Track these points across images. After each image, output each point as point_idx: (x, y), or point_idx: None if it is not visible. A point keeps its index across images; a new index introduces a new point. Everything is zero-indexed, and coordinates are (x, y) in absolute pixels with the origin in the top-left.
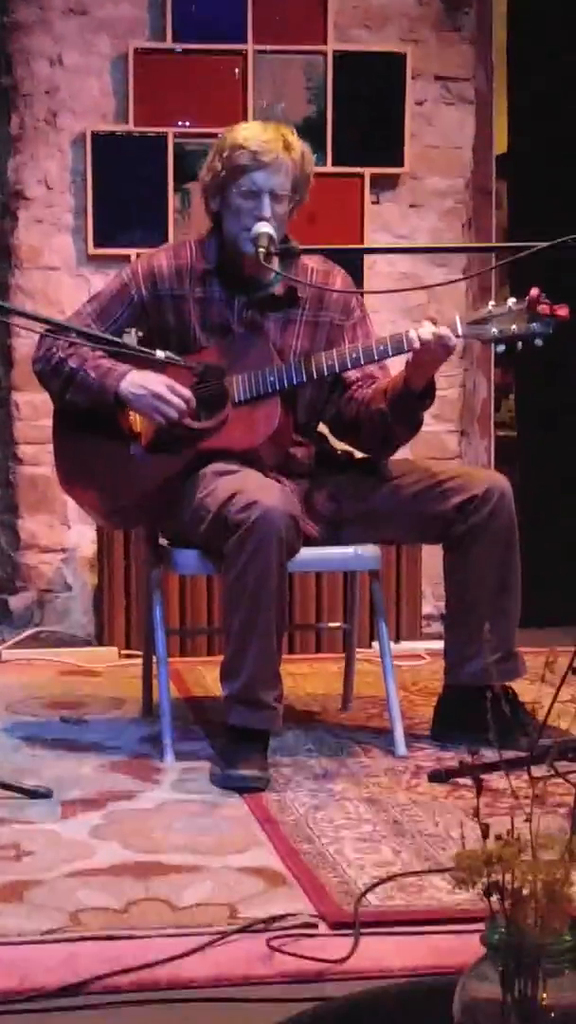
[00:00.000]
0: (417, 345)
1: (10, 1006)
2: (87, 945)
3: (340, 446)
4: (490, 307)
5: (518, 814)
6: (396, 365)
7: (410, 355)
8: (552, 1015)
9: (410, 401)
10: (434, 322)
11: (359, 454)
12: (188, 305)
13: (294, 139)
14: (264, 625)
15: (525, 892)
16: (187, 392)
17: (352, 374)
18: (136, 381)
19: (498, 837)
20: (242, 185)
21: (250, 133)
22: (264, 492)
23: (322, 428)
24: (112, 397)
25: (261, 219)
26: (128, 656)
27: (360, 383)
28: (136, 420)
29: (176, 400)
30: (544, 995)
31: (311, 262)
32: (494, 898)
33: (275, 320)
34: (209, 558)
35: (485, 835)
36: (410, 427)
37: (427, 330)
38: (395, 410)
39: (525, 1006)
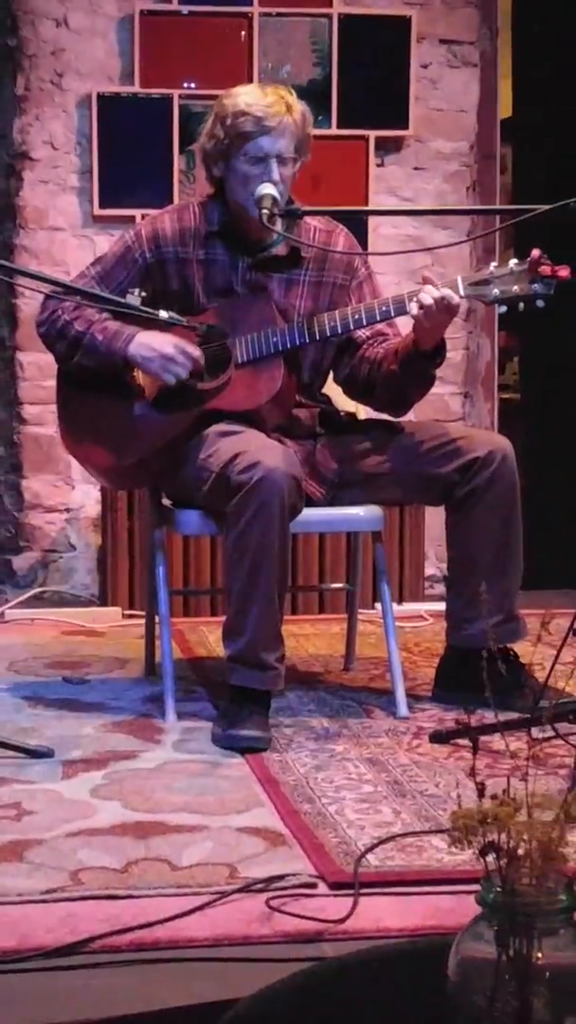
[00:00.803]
0: (416, 311)
1: (10, 965)
2: (87, 905)
3: (344, 407)
4: (492, 268)
5: (516, 774)
6: (407, 322)
7: (417, 315)
8: (547, 974)
9: (421, 362)
10: (429, 281)
11: (362, 415)
12: (192, 267)
13: (293, 100)
14: (266, 586)
15: (520, 851)
16: (196, 351)
17: (361, 333)
18: (144, 343)
19: (494, 797)
20: (248, 151)
21: (251, 98)
22: (266, 453)
23: (327, 389)
24: (121, 360)
25: (270, 184)
26: (131, 616)
27: (370, 341)
28: (140, 376)
29: (184, 360)
30: (539, 954)
31: (314, 221)
32: (490, 857)
33: (278, 281)
34: (212, 519)
35: (481, 794)
36: (422, 385)
37: (429, 293)
38: (406, 370)
39: (520, 965)
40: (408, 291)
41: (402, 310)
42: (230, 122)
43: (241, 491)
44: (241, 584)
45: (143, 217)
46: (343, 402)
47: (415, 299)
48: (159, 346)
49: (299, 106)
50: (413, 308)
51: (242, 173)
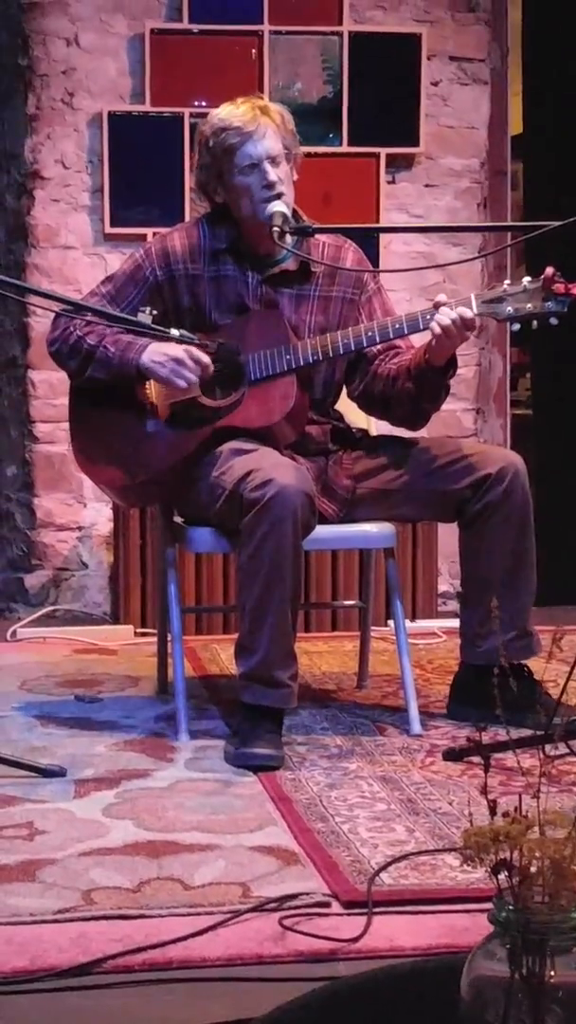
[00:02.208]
0: (439, 331)
1: (22, 986)
2: (99, 924)
3: (356, 423)
4: (505, 285)
5: (529, 792)
6: (419, 334)
7: (434, 331)
8: (560, 993)
9: (435, 377)
10: (441, 306)
11: (375, 431)
12: (202, 284)
13: (266, 102)
14: (279, 603)
15: (533, 870)
16: (205, 357)
17: (374, 348)
18: (156, 351)
19: (506, 814)
20: (239, 163)
21: (225, 113)
22: (280, 470)
23: (339, 405)
24: (134, 370)
25: (270, 186)
26: (143, 634)
27: (383, 356)
28: (152, 393)
29: (193, 364)
30: (551, 973)
31: (323, 237)
32: (502, 875)
33: (289, 296)
34: (224, 536)
35: (493, 812)
36: (437, 399)
37: (447, 315)
38: (420, 387)
39: (532, 984)
40: (421, 309)
41: (415, 327)
42: (212, 143)
43: (254, 508)
44: (254, 602)
45: (154, 235)
46: (355, 418)
47: (435, 320)
48: (170, 351)
49: (275, 106)
50: (436, 328)
51: (241, 186)
